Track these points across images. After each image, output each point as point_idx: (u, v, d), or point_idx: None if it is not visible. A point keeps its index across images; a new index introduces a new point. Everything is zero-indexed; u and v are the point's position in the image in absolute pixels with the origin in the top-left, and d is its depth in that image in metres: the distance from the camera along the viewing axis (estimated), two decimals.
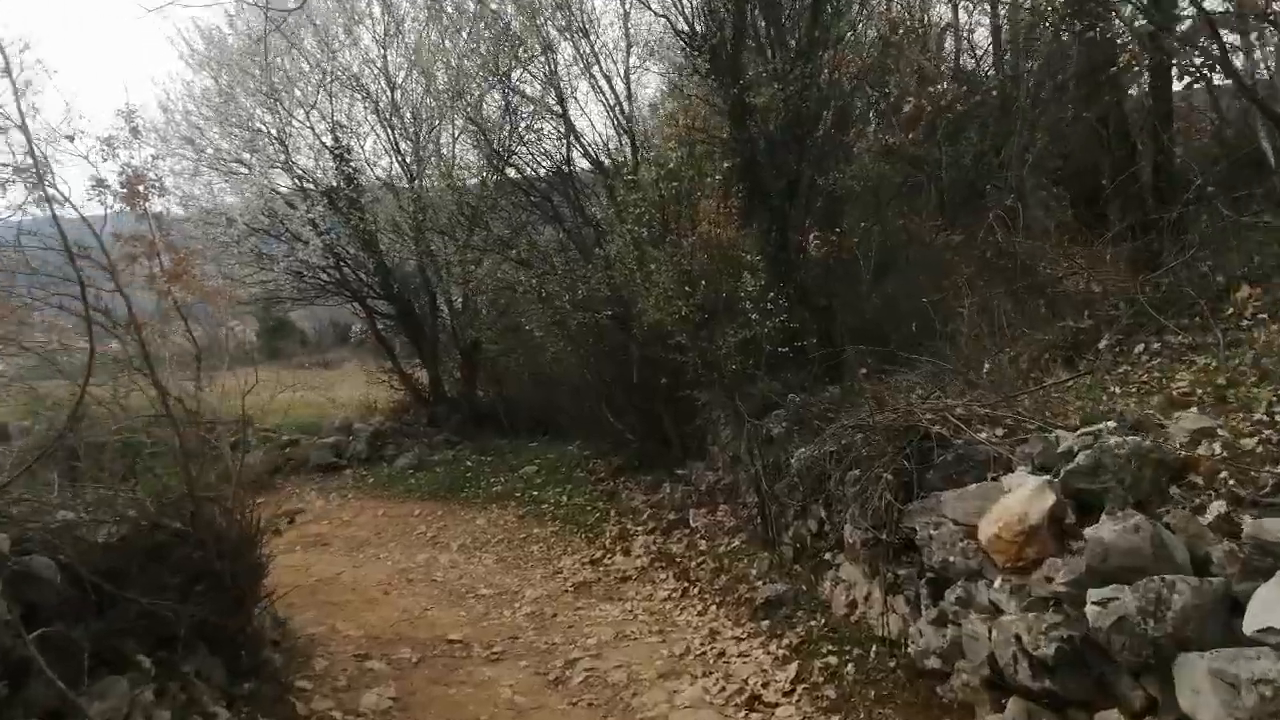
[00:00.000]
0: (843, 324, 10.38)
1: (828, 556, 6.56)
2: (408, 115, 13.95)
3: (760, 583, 7.07)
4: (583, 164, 12.41)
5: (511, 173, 12.55)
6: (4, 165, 10.82)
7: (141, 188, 12.19)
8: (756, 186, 9.82)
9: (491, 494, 11.75)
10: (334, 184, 14.13)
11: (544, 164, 12.20)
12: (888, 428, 5.58)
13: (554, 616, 7.44)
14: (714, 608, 7.11)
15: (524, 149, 12.26)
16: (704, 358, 8.37)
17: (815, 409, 8.24)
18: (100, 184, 12.02)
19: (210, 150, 13.37)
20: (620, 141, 11.92)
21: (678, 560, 8.53)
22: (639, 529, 9.66)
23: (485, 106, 12.70)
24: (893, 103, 10.93)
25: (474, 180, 13.47)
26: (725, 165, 9.53)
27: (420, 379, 16.24)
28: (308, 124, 13.91)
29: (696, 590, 7.63)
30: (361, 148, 14.68)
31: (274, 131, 13.77)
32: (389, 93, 14.01)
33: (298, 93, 13.75)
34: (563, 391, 15.05)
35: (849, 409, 7.67)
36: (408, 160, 14.26)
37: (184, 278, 12.52)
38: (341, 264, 15.05)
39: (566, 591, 8.15)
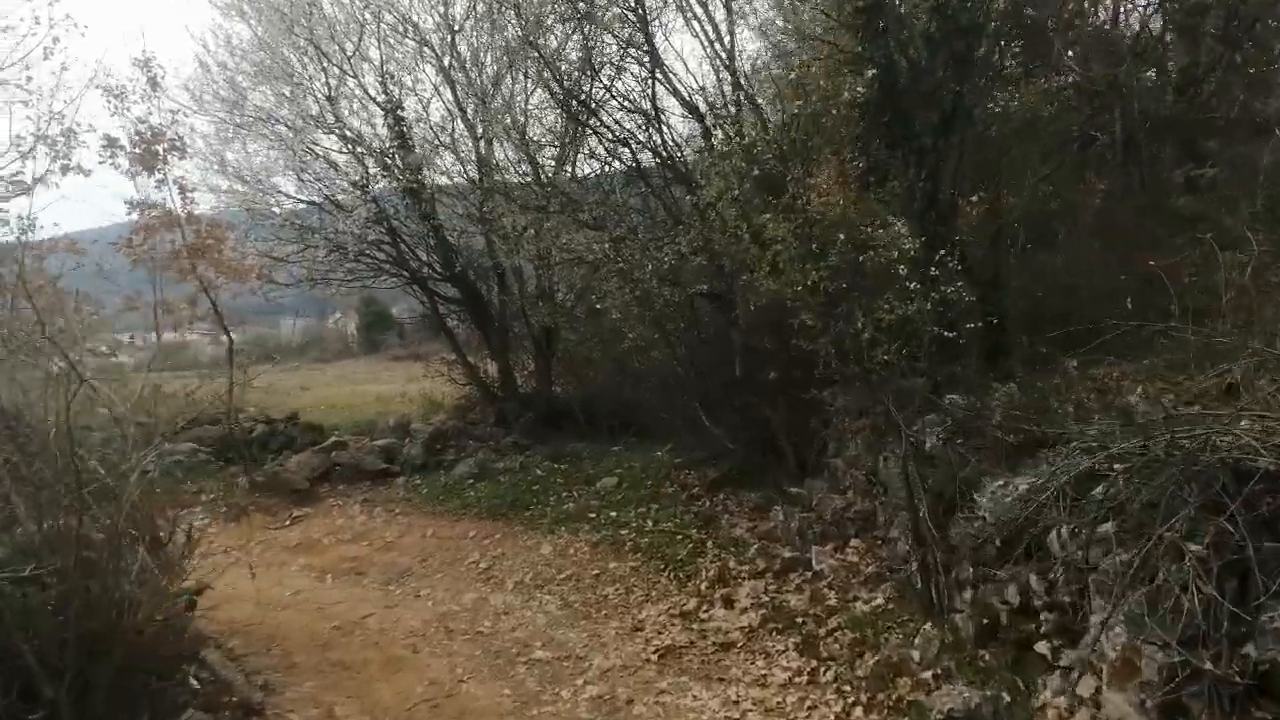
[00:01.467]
0: (1011, 302, 8.08)
1: (1043, 649, 4.37)
2: (468, 60, 12.22)
3: (929, 674, 4.94)
4: (674, 114, 10.48)
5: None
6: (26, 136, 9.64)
7: (160, 148, 10.93)
8: (898, 118, 7.61)
9: (561, 514, 9.91)
10: (386, 145, 12.55)
11: (628, 110, 10.20)
12: (1181, 457, 3.37)
13: (629, 704, 5.53)
14: (859, 710, 5.01)
15: (604, 92, 10.31)
16: (839, 344, 6.22)
17: (988, 415, 6.06)
18: (112, 143, 10.85)
19: (247, 107, 11.95)
20: (719, 79, 9.89)
21: (799, 620, 6.45)
22: (744, 569, 7.63)
23: (557, 45, 10.84)
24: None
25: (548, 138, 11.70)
26: (857, 89, 7.32)
27: (488, 372, 14.59)
28: (353, 74, 12.35)
29: (830, 675, 5.55)
30: (422, 107, 13.05)
31: (317, 84, 12.26)
32: (449, 38, 12.31)
33: (344, 39, 12.19)
34: (650, 387, 13.17)
35: (1050, 418, 5.49)
36: (470, 115, 12.54)
37: (209, 253, 11.24)
38: (398, 240, 13.48)
39: (648, 662, 6.22)
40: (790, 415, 9.64)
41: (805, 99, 7.83)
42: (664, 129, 9.52)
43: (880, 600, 6.38)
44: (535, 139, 11.52)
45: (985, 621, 4.87)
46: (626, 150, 9.70)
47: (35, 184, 12.61)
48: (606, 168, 10.90)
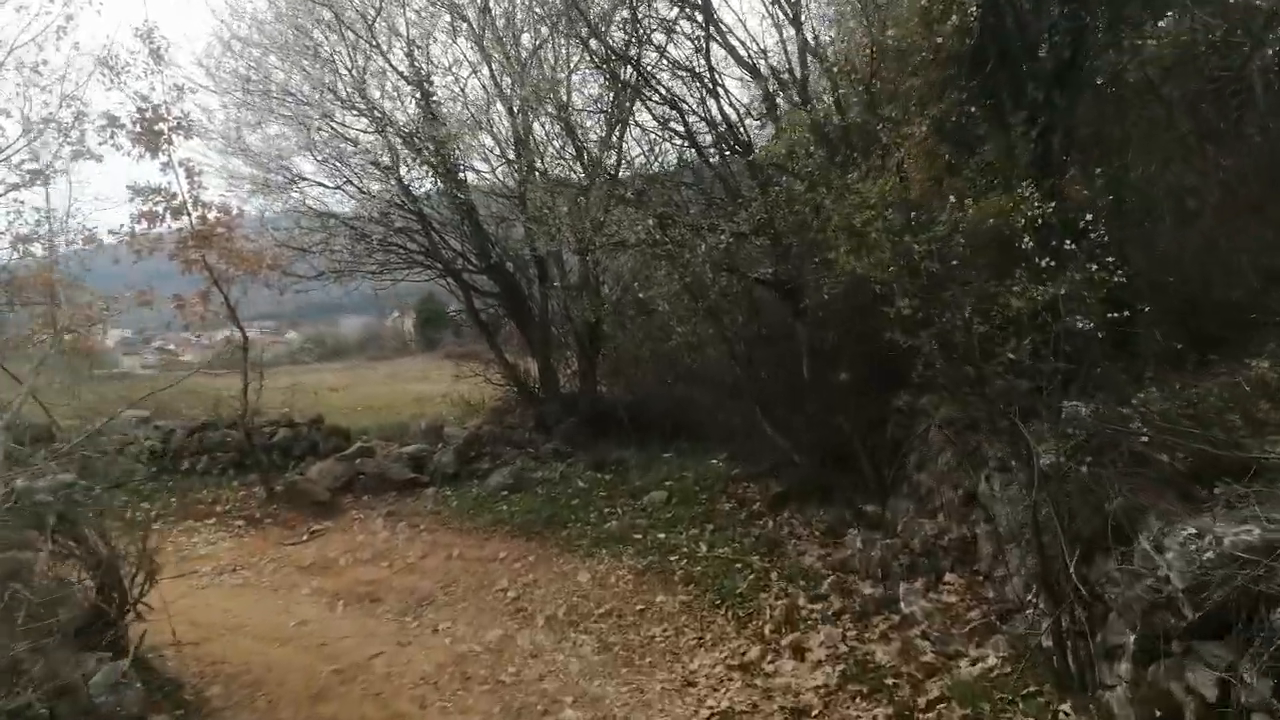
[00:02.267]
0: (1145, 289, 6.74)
1: None
2: (504, 29, 11.20)
3: None
4: (732, 78, 9.30)
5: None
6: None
7: (163, 127, 10.15)
8: (1004, 62, 6.36)
9: (602, 533, 8.85)
10: (415, 124, 11.62)
11: (680, 76, 9.07)
12: None
13: None
14: None
15: (654, 55, 9.19)
16: (946, 338, 4.99)
17: (1134, 429, 4.82)
18: (111, 122, 10.09)
19: (264, 83, 11.10)
20: (782, 36, 8.69)
21: (889, 682, 5.28)
22: (816, 609, 6.48)
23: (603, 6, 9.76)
24: None
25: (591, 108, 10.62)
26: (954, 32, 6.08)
27: (528, 371, 13.61)
28: (380, 48, 11.44)
29: None
30: (455, 84, 12.10)
31: (341, 59, 11.39)
32: (483, 3, 11.32)
33: (369, 10, 11.29)
34: (703, 388, 12.07)
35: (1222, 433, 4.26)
36: (506, 90, 11.54)
37: (219, 242, 10.43)
38: (429, 228, 12.58)
39: None
40: (867, 423, 8.48)
41: (883, 55, 6.63)
42: (721, 95, 8.37)
43: (992, 660, 5.17)
44: (577, 110, 10.42)
45: (1159, 714, 3.63)
46: (678, 119, 8.53)
47: (46, 171, 12.05)
48: (656, 143, 9.78)
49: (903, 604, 6.11)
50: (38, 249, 12.91)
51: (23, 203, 13.11)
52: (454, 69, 12.02)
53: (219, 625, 7.59)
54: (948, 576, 6.42)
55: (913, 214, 4.99)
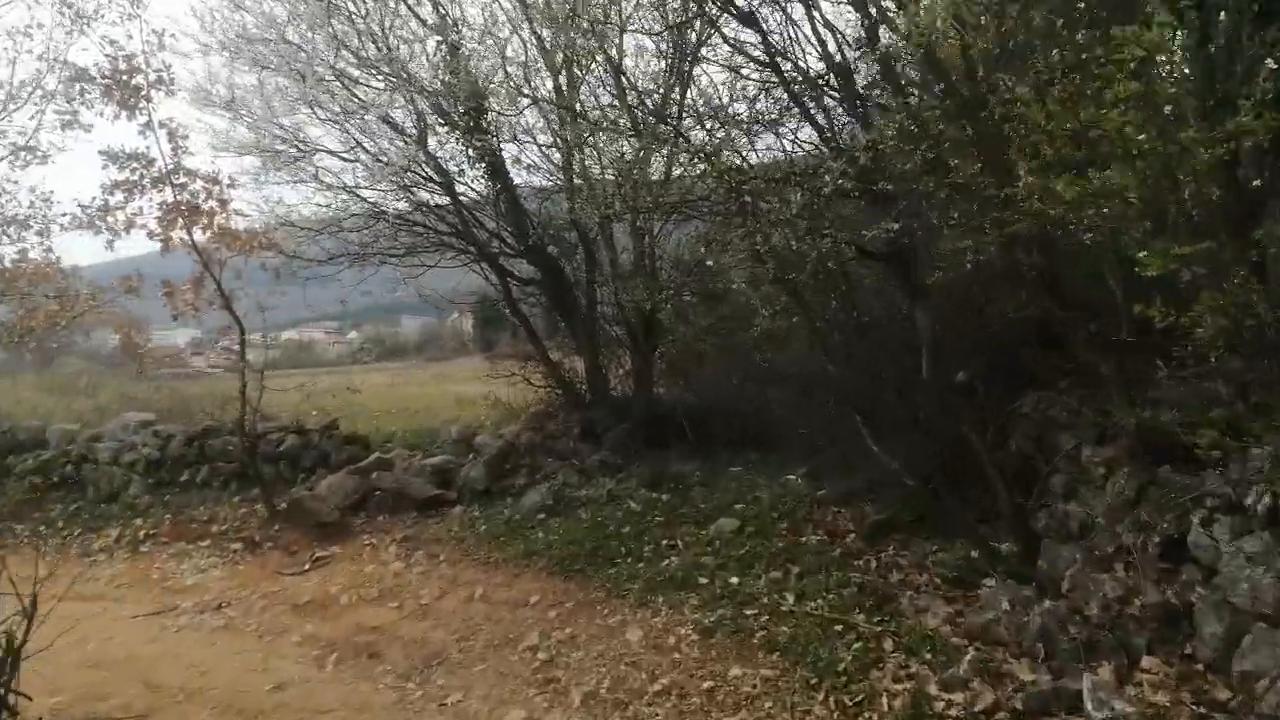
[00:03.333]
0: None
1: None
2: None
3: None
4: None
5: None
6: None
7: (140, 80, 8.77)
8: None
9: (659, 573, 7.20)
10: (442, 81, 10.10)
11: None
12: None
13: None
14: None
15: None
16: (1245, 311, 3.17)
17: None
18: (78, 75, 8.71)
19: (262, 28, 9.60)
20: None
21: None
22: (955, 700, 4.73)
23: None
24: None
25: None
26: None
27: (573, 370, 12.04)
28: None
29: None
30: (491, 35, 10.55)
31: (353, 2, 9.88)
32: None
33: None
34: (779, 390, 10.41)
35: None
36: (548, 42, 9.97)
37: (201, 215, 9.01)
38: (459, 203, 11.08)
39: None
40: (990, 432, 6.70)
41: None
42: (815, 16, 6.60)
43: None
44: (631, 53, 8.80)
45: None
46: (758, 45, 6.79)
47: (32, 144, 10.87)
48: (730, 83, 8.02)
49: (1088, 703, 4.32)
50: (31, 236, 11.92)
51: (15, 183, 12.09)
52: (491, 29, 10.52)
53: (178, 688, 6.15)
54: (1146, 660, 4.63)
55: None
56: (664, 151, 7.92)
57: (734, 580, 6.75)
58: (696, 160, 6.50)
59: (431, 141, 10.75)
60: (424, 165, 10.44)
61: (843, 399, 7.38)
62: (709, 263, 8.65)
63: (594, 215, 9.63)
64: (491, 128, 10.56)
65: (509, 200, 11.12)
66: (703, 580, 6.86)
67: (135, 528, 9.98)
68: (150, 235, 8.33)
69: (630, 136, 7.70)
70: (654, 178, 8.03)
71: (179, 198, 8.22)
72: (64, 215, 10.15)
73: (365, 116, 9.93)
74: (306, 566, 8.61)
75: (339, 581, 8.12)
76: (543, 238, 11.37)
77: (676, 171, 7.45)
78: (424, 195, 11.14)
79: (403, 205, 11.16)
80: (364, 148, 10.20)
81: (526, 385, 12.34)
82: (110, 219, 8.25)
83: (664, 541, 7.89)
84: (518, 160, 11.40)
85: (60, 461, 11.19)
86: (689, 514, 8.53)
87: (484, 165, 10.96)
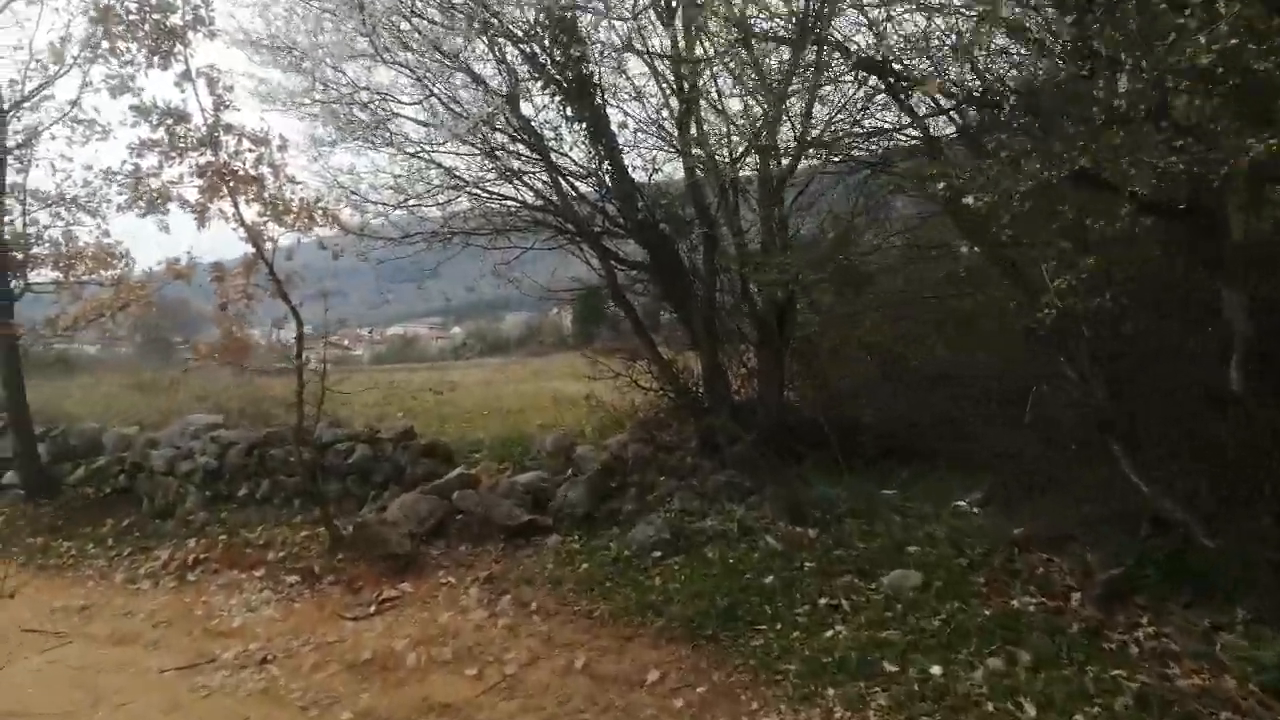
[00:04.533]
0: None
1: None
2: None
3: None
4: None
5: None
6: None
7: (175, 22, 7.23)
8: None
9: (824, 650, 5.43)
10: (536, 27, 8.53)
11: None
12: None
13: None
14: None
15: None
16: None
17: None
18: (103, 13, 6.97)
19: None
20: None
21: None
22: None
23: None
24: None
25: None
26: None
27: (687, 370, 10.32)
28: None
29: None
30: None
31: None
32: None
33: None
34: (946, 395, 8.67)
35: None
36: None
37: (246, 182, 7.48)
38: (555, 173, 9.51)
39: None
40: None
41: None
42: None
43: None
44: None
45: None
46: None
47: (76, 108, 9.79)
48: None
49: None
50: (87, 218, 10.94)
51: (70, 160, 11.13)
52: None
53: None
54: None
55: None
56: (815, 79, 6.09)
57: (935, 670, 4.90)
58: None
59: (526, 109, 9.22)
60: (513, 125, 8.87)
61: (1091, 411, 5.42)
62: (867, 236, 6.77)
63: (717, 177, 7.89)
64: (594, 81, 8.96)
65: (614, 168, 9.46)
66: (889, 666, 5.04)
67: (186, 550, 8.78)
68: (182, 206, 7.03)
69: (785, 43, 5.89)
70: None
71: (221, 160, 6.87)
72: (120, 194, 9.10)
73: (445, 67, 8.39)
74: (371, 609, 7.17)
75: (407, 632, 6.62)
76: (653, 212, 9.67)
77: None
78: (515, 165, 9.57)
79: (491, 177, 9.63)
80: (442, 98, 8.67)
81: (631, 386, 10.67)
82: (142, 187, 6.99)
83: (822, 599, 6.08)
84: (624, 125, 9.77)
85: (113, 470, 10.14)
86: (847, 559, 6.71)
87: (585, 127, 9.36)
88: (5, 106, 9.68)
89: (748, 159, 9.06)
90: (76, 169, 10.56)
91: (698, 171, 9.29)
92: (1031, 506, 7.57)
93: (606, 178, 9.72)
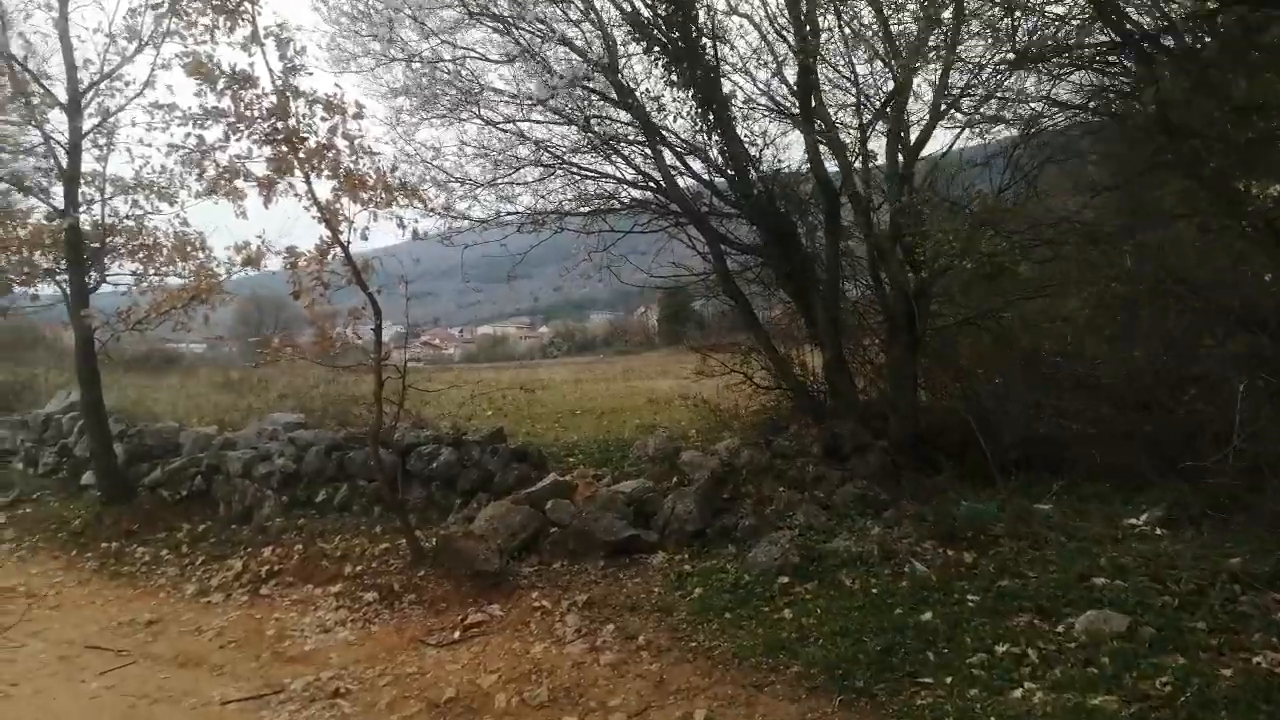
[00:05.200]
0: None
1: None
2: None
3: None
4: None
5: None
6: None
7: None
8: None
9: (1010, 715, 4.27)
10: None
11: None
12: None
13: None
14: None
15: None
16: None
17: None
18: None
19: None
20: None
21: None
22: None
23: None
24: None
25: None
26: None
27: (805, 365, 9.27)
28: None
29: None
30: None
31: None
32: None
33: None
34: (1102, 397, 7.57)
35: None
36: None
37: (327, 155, 6.38)
38: (656, 142, 8.59)
39: None
40: None
41: None
42: None
43: None
44: None
45: None
46: None
47: (148, 88, 9.28)
48: None
49: None
50: (166, 206, 10.51)
51: (149, 145, 10.72)
52: None
53: None
54: None
55: None
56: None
57: None
58: None
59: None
60: (612, 91, 7.99)
61: None
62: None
63: (842, 151, 6.85)
64: (703, 41, 8.03)
65: (726, 139, 8.50)
66: None
67: (260, 561, 8.17)
68: (245, 177, 6.34)
69: None
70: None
71: (290, 128, 6.16)
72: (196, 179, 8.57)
73: (539, 28, 7.56)
74: (455, 635, 6.37)
75: (496, 666, 5.78)
76: (770, 190, 8.66)
77: None
78: (612, 137, 8.70)
79: (586, 152, 8.77)
80: (534, 52, 7.81)
81: (745, 384, 9.64)
82: (207, 162, 6.36)
83: (998, 644, 4.97)
84: (733, 95, 8.80)
85: (190, 472, 9.65)
86: (1020, 592, 5.58)
87: (692, 94, 8.42)
88: (82, 88, 9.27)
89: (877, 128, 8.02)
90: (155, 155, 10.07)
91: (820, 146, 8.28)
92: (1230, 530, 6.35)
93: (716, 151, 8.77)
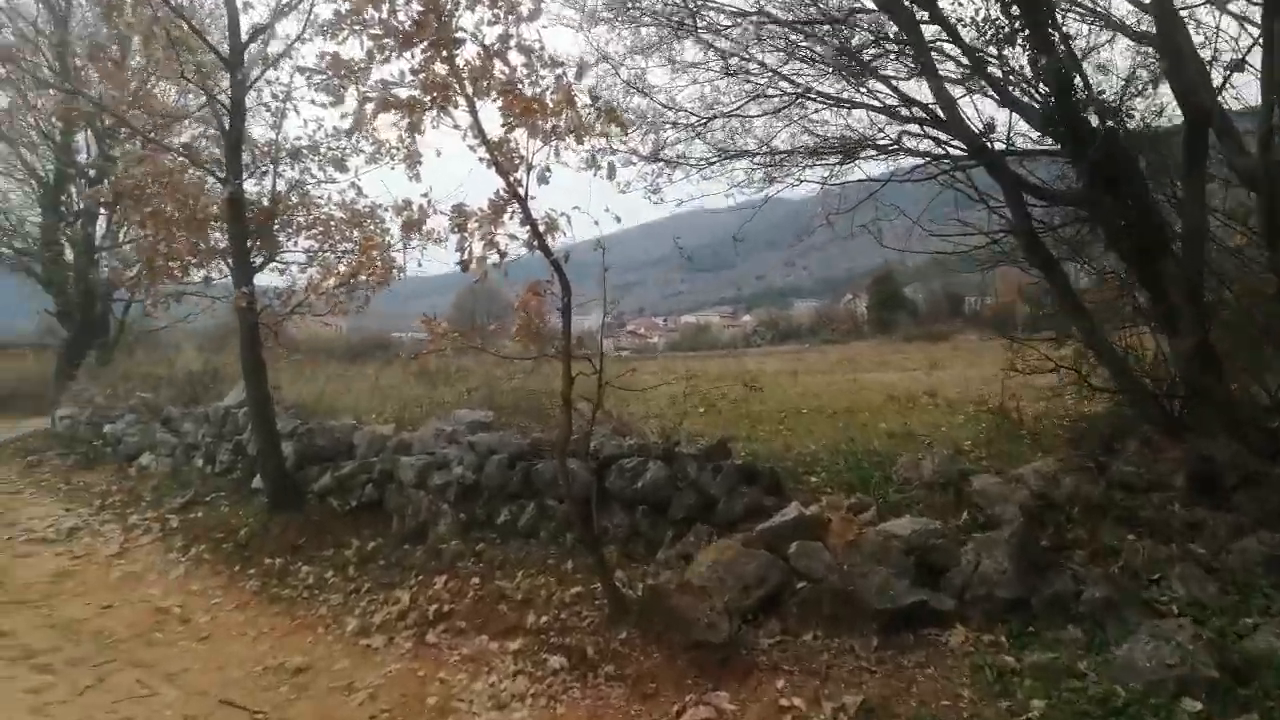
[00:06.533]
0: None
1: None
2: None
3: None
4: None
5: None
6: None
7: None
8: None
9: None
10: None
11: None
12: None
13: None
14: None
15: None
16: None
17: None
18: None
19: None
20: None
21: None
22: None
23: None
24: None
25: None
26: None
27: (1143, 360, 6.77)
28: None
29: None
30: None
31: None
32: None
33: None
34: None
35: None
36: None
37: (544, 110, 4.56)
38: (921, 43, 6.41)
39: None
40: None
41: None
42: None
43: None
44: None
45: None
46: None
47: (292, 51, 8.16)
48: None
49: None
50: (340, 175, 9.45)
51: (320, 121, 9.72)
52: None
53: None
54: None
55: None
56: None
57: None
58: None
59: None
60: None
61: None
62: None
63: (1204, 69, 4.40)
64: None
65: (1035, 42, 6.16)
66: None
67: (430, 596, 6.76)
68: (396, 111, 4.77)
69: None
70: None
71: (445, 30, 4.54)
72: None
73: None
74: None
75: None
76: (1106, 117, 6.24)
77: None
78: (867, 55, 6.58)
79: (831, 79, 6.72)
80: None
81: (1022, 383, 7.24)
82: (344, 84, 4.90)
83: None
84: None
85: (361, 479, 8.47)
86: None
87: None
88: (244, 39, 8.26)
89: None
90: (329, 117, 8.99)
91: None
92: None
93: (1019, 63, 6.45)
